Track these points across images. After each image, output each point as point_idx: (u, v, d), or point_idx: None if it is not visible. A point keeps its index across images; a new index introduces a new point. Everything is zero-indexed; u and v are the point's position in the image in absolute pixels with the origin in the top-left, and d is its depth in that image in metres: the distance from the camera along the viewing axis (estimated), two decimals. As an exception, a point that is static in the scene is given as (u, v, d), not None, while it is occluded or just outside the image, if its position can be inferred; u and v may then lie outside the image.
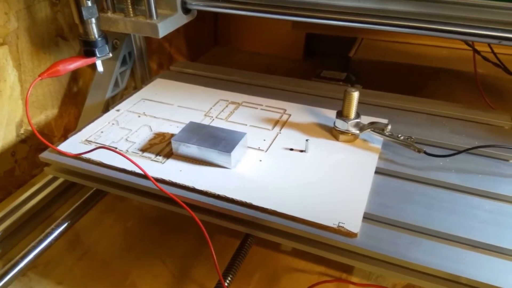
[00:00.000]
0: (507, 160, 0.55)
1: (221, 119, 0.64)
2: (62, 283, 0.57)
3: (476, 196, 0.50)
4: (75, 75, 0.80)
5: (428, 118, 0.65)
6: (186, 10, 0.70)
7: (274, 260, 0.60)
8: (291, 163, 0.54)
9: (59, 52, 0.75)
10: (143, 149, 0.57)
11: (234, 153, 0.52)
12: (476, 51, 0.82)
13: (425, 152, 0.54)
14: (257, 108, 0.67)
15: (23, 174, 0.74)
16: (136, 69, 0.85)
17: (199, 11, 0.72)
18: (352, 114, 0.57)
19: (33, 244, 0.54)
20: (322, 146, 0.58)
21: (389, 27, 0.61)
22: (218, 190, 0.49)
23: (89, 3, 0.56)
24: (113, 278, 0.58)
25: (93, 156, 0.54)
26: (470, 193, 0.50)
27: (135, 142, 0.58)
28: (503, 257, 0.43)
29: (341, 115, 0.58)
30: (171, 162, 0.54)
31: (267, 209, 0.47)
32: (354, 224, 0.44)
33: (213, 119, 0.64)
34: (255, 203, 0.47)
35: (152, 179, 0.48)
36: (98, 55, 0.60)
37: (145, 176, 0.50)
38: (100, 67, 0.62)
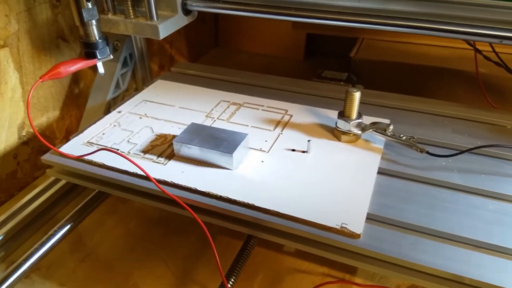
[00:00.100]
0: (510, 160, 0.55)
1: (223, 120, 0.64)
2: (64, 285, 0.57)
3: (479, 196, 0.50)
4: (76, 77, 0.80)
5: (430, 118, 0.65)
6: (187, 11, 0.70)
7: (277, 261, 0.59)
8: (293, 164, 0.54)
9: (60, 54, 0.75)
10: (145, 151, 0.57)
11: (236, 154, 0.52)
12: (477, 51, 0.82)
13: (427, 152, 0.54)
14: (258, 109, 0.67)
15: (25, 176, 0.74)
16: (137, 71, 0.85)
17: (199, 12, 0.72)
18: (354, 114, 0.57)
19: (35, 246, 0.53)
20: (324, 146, 0.57)
21: (390, 27, 0.61)
22: (220, 191, 0.49)
23: (90, 5, 0.57)
24: (115, 280, 0.58)
25: (95, 158, 0.54)
26: (473, 193, 0.50)
27: (136, 144, 0.58)
28: (507, 257, 0.42)
29: (343, 115, 0.58)
30: (173, 164, 0.54)
31: (269, 210, 0.47)
32: (357, 225, 0.44)
33: (215, 120, 0.64)
34: (257, 204, 0.47)
35: (154, 180, 0.48)
36: (99, 57, 0.60)
37: (147, 178, 0.50)
38: (101, 69, 0.62)
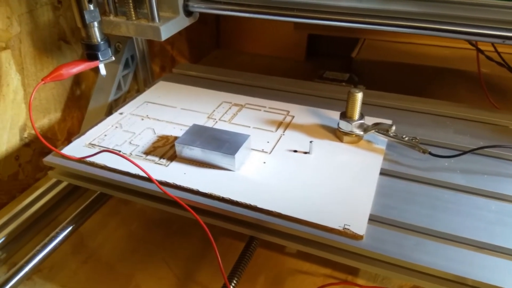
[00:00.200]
0: (513, 160, 0.55)
1: (224, 121, 0.64)
2: (66, 287, 0.57)
3: (481, 196, 0.50)
4: (77, 79, 0.80)
5: (432, 119, 0.64)
6: (188, 13, 0.70)
7: (279, 262, 0.59)
8: (295, 165, 0.54)
9: (61, 56, 0.75)
10: (147, 152, 0.57)
11: (238, 155, 0.52)
12: (479, 51, 0.82)
13: (430, 153, 0.54)
14: (260, 110, 0.67)
15: (27, 178, 0.75)
16: (138, 72, 0.86)
17: (200, 13, 0.72)
18: (356, 115, 0.57)
19: (37, 248, 0.54)
20: (326, 147, 0.57)
21: (392, 27, 0.61)
22: (222, 193, 0.49)
23: (91, 7, 0.57)
24: (117, 281, 0.58)
25: (97, 159, 0.54)
26: (476, 193, 0.50)
27: (138, 145, 0.58)
28: (510, 258, 0.42)
29: (345, 116, 0.58)
30: (175, 165, 0.54)
31: (271, 211, 0.46)
32: (359, 226, 0.44)
33: (216, 121, 0.64)
34: (259, 205, 0.47)
35: (156, 182, 0.48)
36: (101, 59, 0.60)
37: (149, 179, 0.50)
38: (103, 71, 0.62)
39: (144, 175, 0.50)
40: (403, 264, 0.43)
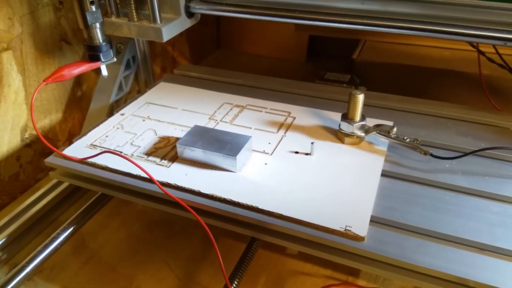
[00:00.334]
0: (514, 162, 0.55)
1: (226, 122, 0.64)
2: (67, 287, 0.57)
3: (483, 198, 0.50)
4: (79, 80, 0.80)
5: (434, 120, 0.64)
6: (190, 14, 0.70)
7: (279, 263, 0.59)
8: (296, 166, 0.54)
9: (63, 57, 0.75)
10: (148, 153, 0.57)
11: (240, 156, 0.52)
12: (480, 52, 0.82)
13: (431, 155, 0.54)
14: (261, 111, 0.67)
15: (28, 179, 0.75)
16: (140, 73, 0.86)
17: (201, 15, 0.72)
18: (357, 116, 0.57)
19: (39, 248, 0.53)
20: (327, 149, 0.57)
21: (393, 29, 0.61)
22: (223, 194, 0.49)
23: (93, 8, 0.57)
24: (118, 282, 0.57)
25: (98, 160, 0.55)
26: (477, 195, 0.50)
27: (140, 146, 0.58)
28: (511, 260, 0.42)
29: (346, 117, 0.58)
30: (176, 166, 0.54)
31: (273, 212, 0.47)
32: (361, 227, 0.44)
33: (218, 123, 0.64)
34: (261, 206, 0.47)
35: (158, 183, 0.48)
36: (102, 60, 0.60)
37: (150, 180, 0.50)
38: (104, 72, 0.62)
39: (146, 176, 0.50)
40: (404, 266, 0.43)
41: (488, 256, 0.43)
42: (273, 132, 0.61)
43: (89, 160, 0.54)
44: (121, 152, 0.57)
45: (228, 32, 1.29)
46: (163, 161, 0.55)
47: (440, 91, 0.93)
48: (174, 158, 0.56)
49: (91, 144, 0.59)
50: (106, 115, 0.76)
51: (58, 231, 0.56)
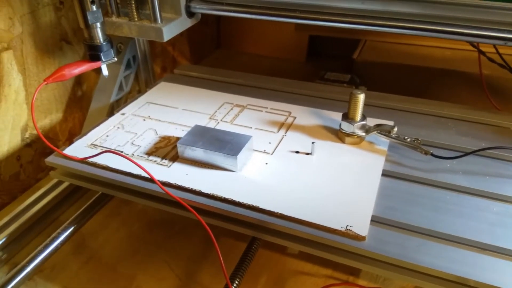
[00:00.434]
0: (515, 162, 0.55)
1: (226, 122, 0.64)
2: (68, 287, 0.57)
3: (483, 198, 0.50)
4: (79, 79, 0.80)
5: (434, 120, 0.65)
6: (190, 14, 0.70)
7: (280, 263, 0.59)
8: (297, 166, 0.54)
9: (63, 57, 0.75)
10: (149, 153, 0.57)
11: (240, 156, 0.52)
12: (481, 52, 0.82)
13: (432, 154, 0.54)
14: (262, 111, 0.67)
15: (28, 178, 0.75)
16: (140, 73, 0.86)
17: (202, 14, 0.72)
18: (358, 116, 0.57)
19: (39, 248, 0.53)
20: (328, 148, 0.57)
21: (393, 29, 0.61)
22: (224, 194, 0.49)
23: (94, 8, 0.57)
24: (118, 282, 0.57)
25: (99, 160, 0.55)
26: (478, 195, 0.50)
27: (140, 146, 0.58)
28: (512, 260, 0.42)
29: (347, 117, 0.58)
30: (177, 166, 0.54)
31: (274, 212, 0.46)
32: (362, 227, 0.44)
33: (218, 122, 0.64)
34: (261, 206, 0.47)
35: (158, 182, 0.48)
36: (103, 60, 0.60)
37: (151, 180, 0.50)
38: (105, 71, 0.62)
39: (146, 175, 0.50)
40: (405, 265, 0.43)
41: (489, 256, 0.43)
42: (274, 132, 0.61)
43: (90, 159, 0.54)
44: (122, 152, 0.57)
45: (229, 32, 1.29)
46: (163, 160, 0.55)
47: (441, 91, 0.93)
48: (175, 157, 0.56)
49: (92, 144, 0.59)
50: (106, 115, 0.76)
51: (58, 230, 0.56)
